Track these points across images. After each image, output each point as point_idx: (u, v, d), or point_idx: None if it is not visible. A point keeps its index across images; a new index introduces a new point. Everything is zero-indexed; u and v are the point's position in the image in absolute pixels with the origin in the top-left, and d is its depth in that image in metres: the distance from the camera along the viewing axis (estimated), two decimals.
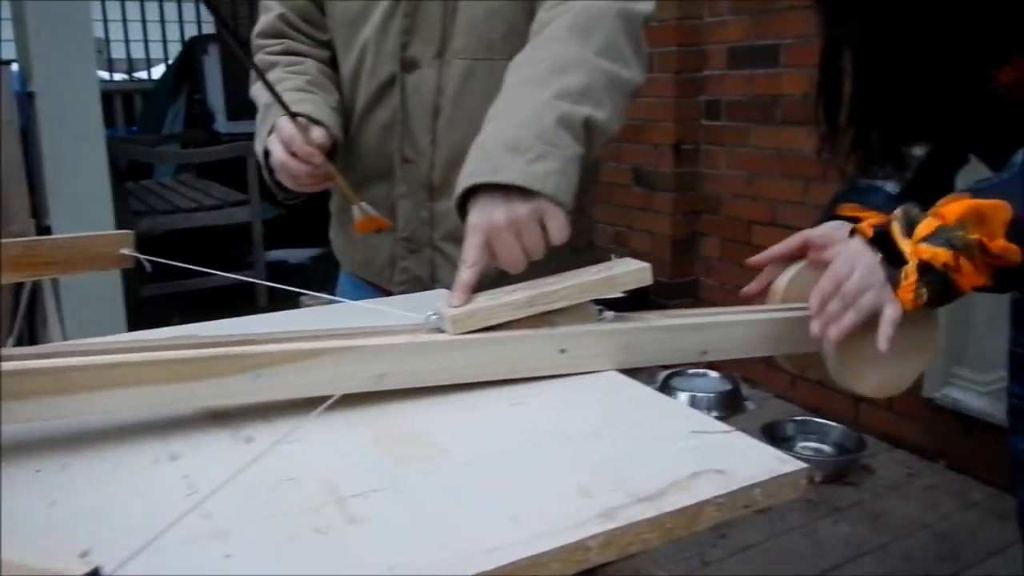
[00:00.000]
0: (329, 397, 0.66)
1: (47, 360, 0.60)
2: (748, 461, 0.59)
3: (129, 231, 0.98)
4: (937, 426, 2.33)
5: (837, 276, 0.82)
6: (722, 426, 0.65)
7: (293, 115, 0.96)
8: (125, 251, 0.97)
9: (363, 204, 1.04)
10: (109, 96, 5.21)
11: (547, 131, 0.83)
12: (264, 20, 1.15)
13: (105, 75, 6.05)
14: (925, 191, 0.97)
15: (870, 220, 0.84)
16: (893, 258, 0.80)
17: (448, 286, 1.04)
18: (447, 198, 0.96)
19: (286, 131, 0.97)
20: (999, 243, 0.76)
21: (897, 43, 0.83)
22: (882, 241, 0.81)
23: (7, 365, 0.58)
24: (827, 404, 2.56)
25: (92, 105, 2.34)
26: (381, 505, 0.54)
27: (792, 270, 0.93)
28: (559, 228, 0.83)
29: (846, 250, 0.84)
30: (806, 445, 2.40)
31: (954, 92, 0.83)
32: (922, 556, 1.92)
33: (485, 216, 0.81)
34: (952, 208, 0.78)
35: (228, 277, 0.98)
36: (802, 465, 0.59)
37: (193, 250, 4.06)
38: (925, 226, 0.79)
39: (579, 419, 0.67)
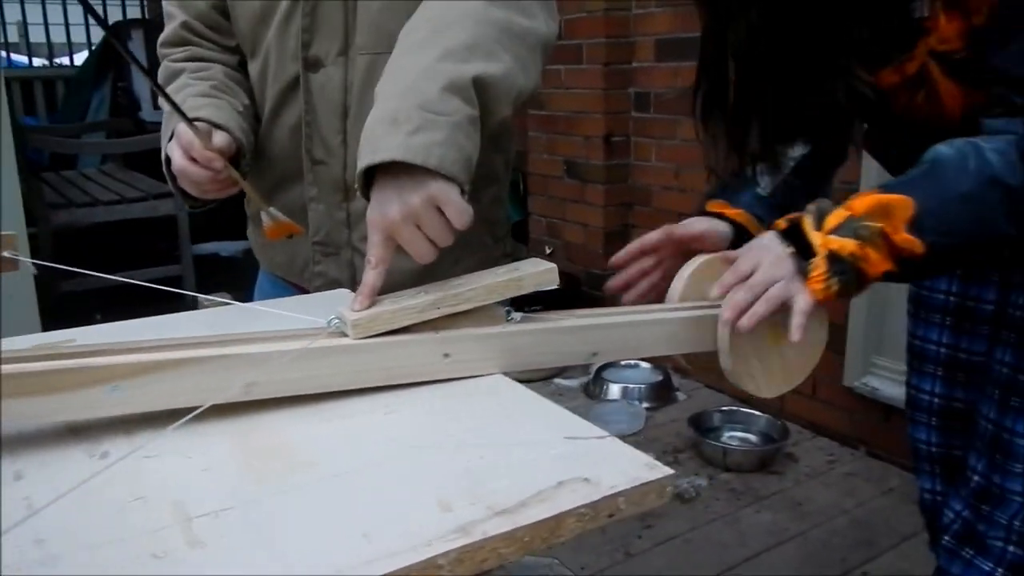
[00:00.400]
0: (195, 408, 0.63)
1: None
2: (615, 469, 0.58)
3: (12, 232, 0.92)
4: (857, 414, 2.38)
5: (738, 271, 0.83)
6: (597, 431, 0.64)
7: (190, 121, 0.92)
8: (7, 254, 0.92)
9: (271, 210, 1.01)
10: (29, 83, 5.02)
11: (430, 99, 0.78)
12: (168, 29, 1.12)
13: (24, 60, 5.82)
14: (801, 191, 0.99)
15: (788, 216, 0.84)
16: (804, 251, 0.81)
17: None
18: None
19: (185, 137, 0.93)
20: (901, 236, 0.77)
21: (781, 43, 0.83)
22: (794, 234, 0.82)
23: None
24: None
25: None
26: (228, 526, 0.52)
27: (690, 268, 0.92)
28: (458, 212, 0.77)
29: (754, 245, 0.85)
30: (732, 435, 2.44)
31: (835, 92, 0.84)
32: (840, 542, 1.96)
33: (379, 211, 0.77)
34: (861, 201, 0.80)
35: (107, 278, 0.93)
36: (669, 472, 0.58)
37: (119, 243, 3.95)
38: (834, 218, 0.80)
39: (453, 427, 0.66)
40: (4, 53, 5.30)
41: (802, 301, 0.80)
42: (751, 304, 0.81)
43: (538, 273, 0.79)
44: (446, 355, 0.74)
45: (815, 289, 0.80)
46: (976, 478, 1.13)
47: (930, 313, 1.21)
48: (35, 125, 4.52)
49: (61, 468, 0.59)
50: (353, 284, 1.07)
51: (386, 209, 0.77)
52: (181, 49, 1.10)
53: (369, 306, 0.74)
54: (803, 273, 0.80)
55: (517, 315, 0.79)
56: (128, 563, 0.47)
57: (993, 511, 1.12)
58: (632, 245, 0.97)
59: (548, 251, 3.32)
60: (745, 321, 0.81)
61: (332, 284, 1.09)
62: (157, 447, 0.61)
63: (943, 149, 0.79)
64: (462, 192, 0.78)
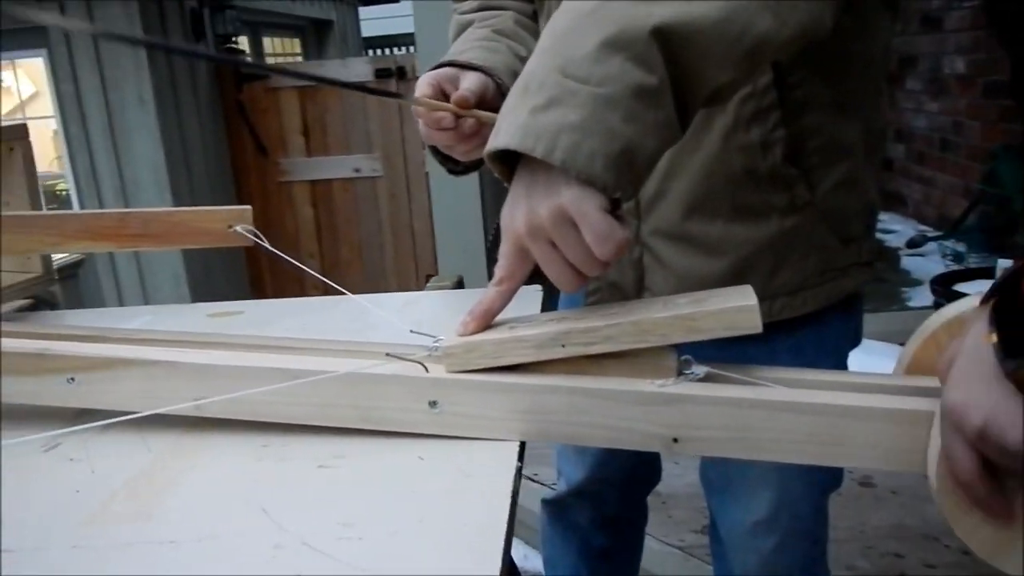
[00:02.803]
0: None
1: None
2: None
3: (247, 207, 0.88)
4: None
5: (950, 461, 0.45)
6: None
7: (392, 95, 0.83)
8: (239, 228, 0.96)
9: None
10: None
11: (577, 58, 0.53)
12: None
13: None
14: None
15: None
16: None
17: (658, 295, 0.81)
18: (659, 180, 0.77)
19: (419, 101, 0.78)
20: None
21: None
22: (1007, 302, 0.41)
23: None
24: None
25: None
26: None
27: (945, 316, 0.54)
28: (596, 235, 0.51)
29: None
30: None
31: None
32: None
33: (509, 213, 0.56)
34: None
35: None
36: None
37: None
38: None
39: (344, 512, 0.48)
40: None
41: None
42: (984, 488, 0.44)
43: (723, 312, 0.52)
44: (433, 403, 0.54)
45: None
46: None
47: None
48: None
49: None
50: (640, 291, 0.86)
51: (515, 212, 0.55)
52: (473, 2, 0.98)
53: (479, 330, 0.56)
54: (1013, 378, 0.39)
55: (700, 369, 0.53)
56: None
57: None
58: None
59: None
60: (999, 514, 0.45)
61: (612, 288, 0.87)
62: (66, 448, 0.56)
63: None
64: (615, 203, 0.53)
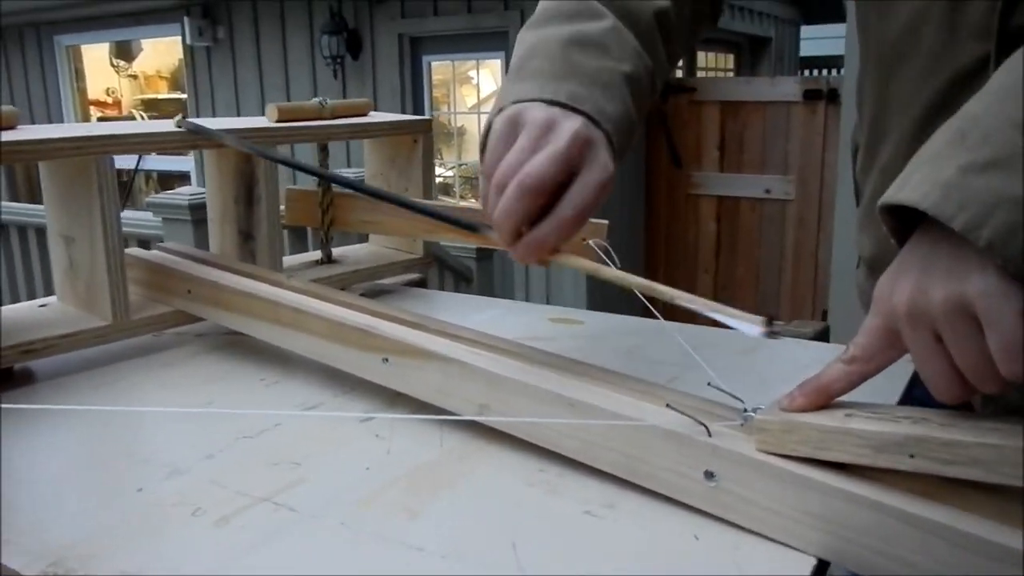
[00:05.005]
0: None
1: (265, 286, 0.71)
2: None
3: (603, 221, 0.81)
4: None
5: None
6: None
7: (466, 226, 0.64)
8: (591, 242, 0.94)
9: None
10: None
11: None
12: None
13: None
14: None
15: None
16: None
17: None
18: None
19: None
20: None
21: None
22: None
23: (236, 281, 0.71)
24: None
25: None
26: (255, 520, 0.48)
27: None
28: (1007, 345, 0.40)
29: None
30: None
31: None
32: None
33: (888, 283, 0.45)
34: None
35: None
36: None
37: None
38: None
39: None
40: None
41: None
42: None
43: None
44: (709, 475, 0.46)
45: None
46: None
47: None
48: None
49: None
50: None
51: (898, 283, 0.44)
52: None
53: (809, 408, 0.47)
54: None
55: None
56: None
57: None
58: None
59: None
60: None
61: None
62: (376, 423, 0.59)
63: None
64: None
